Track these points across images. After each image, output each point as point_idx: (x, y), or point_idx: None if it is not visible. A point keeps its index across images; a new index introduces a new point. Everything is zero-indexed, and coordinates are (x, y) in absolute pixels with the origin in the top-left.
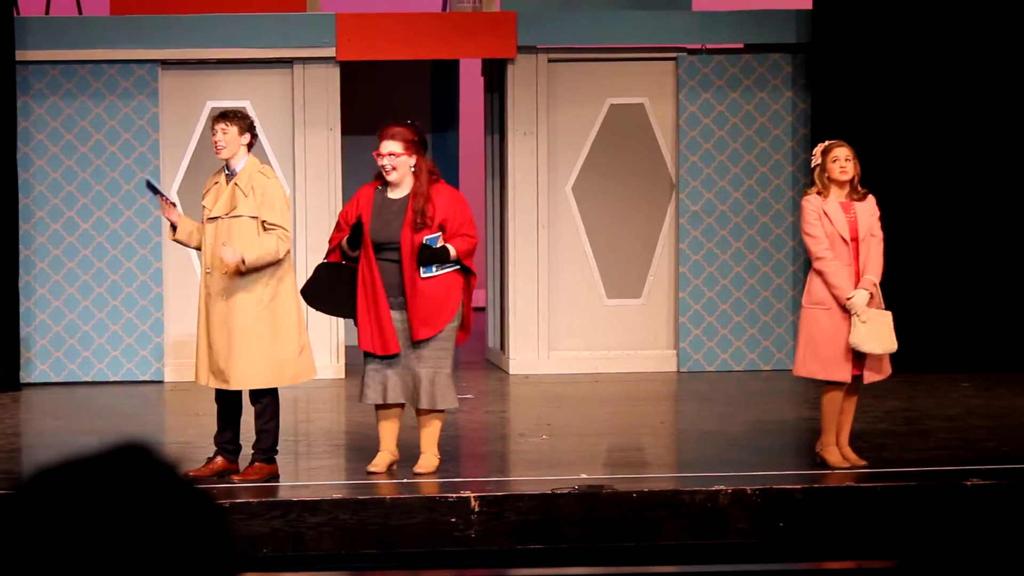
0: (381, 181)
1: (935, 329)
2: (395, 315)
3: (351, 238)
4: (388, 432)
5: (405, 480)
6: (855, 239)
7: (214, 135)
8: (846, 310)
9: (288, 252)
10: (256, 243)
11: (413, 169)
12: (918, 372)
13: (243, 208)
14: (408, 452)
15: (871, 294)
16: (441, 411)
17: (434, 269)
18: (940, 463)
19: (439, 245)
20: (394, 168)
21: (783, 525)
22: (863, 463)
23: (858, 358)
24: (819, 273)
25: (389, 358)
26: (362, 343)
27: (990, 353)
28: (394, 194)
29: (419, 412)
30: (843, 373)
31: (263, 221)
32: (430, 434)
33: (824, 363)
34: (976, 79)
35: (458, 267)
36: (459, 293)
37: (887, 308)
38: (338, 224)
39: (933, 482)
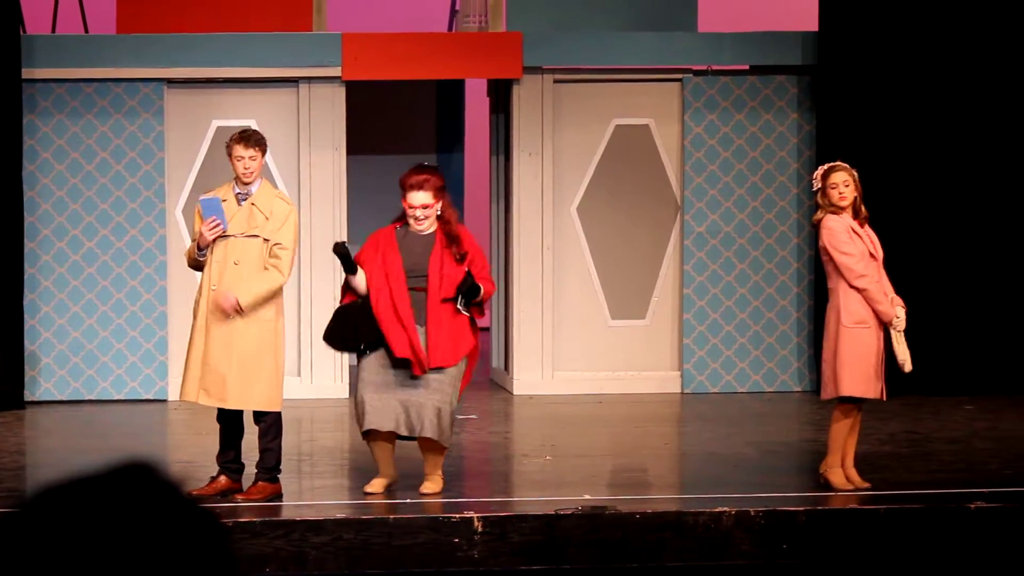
0: (399, 223)
1: (939, 351)
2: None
3: (345, 264)
4: (385, 457)
5: (409, 500)
6: (878, 255)
7: (244, 159)
8: (880, 328)
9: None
10: (258, 279)
11: (439, 213)
12: (922, 394)
13: (261, 230)
14: (408, 471)
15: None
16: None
17: (464, 303)
18: (944, 486)
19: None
20: (426, 218)
21: (786, 547)
22: (867, 485)
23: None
24: (861, 291)
25: (387, 387)
26: (400, 351)
27: (994, 375)
28: (419, 229)
29: (423, 440)
30: (879, 390)
31: (273, 244)
32: (436, 460)
33: (871, 381)
34: (981, 102)
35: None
36: (473, 335)
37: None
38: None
39: (937, 505)
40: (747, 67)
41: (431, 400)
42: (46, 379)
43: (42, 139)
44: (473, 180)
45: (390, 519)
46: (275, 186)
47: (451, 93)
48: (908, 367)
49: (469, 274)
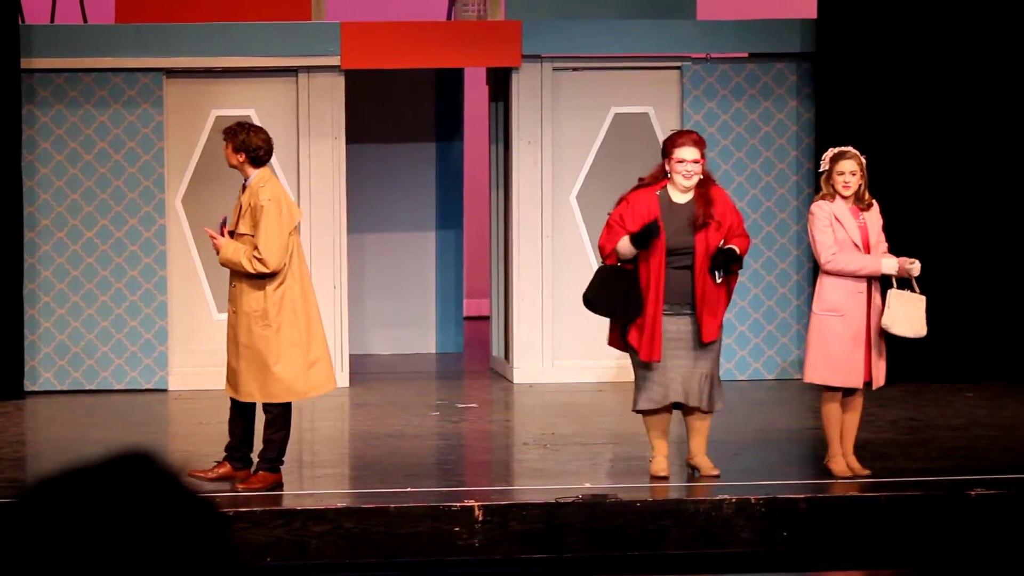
0: (657, 186)
1: (940, 339)
2: (673, 323)
3: (640, 238)
4: (664, 435)
5: (409, 489)
6: (867, 245)
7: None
8: (858, 315)
9: (273, 271)
10: (242, 249)
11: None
12: (922, 381)
13: (241, 226)
14: (404, 463)
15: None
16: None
17: (721, 273)
18: (944, 473)
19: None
20: (696, 174)
21: (787, 534)
22: (866, 472)
23: (880, 351)
24: (835, 272)
25: (669, 362)
26: (633, 342)
27: (995, 363)
28: (679, 199)
29: (690, 413)
30: (855, 379)
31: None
32: (704, 435)
33: (837, 369)
34: (981, 88)
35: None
36: (728, 294)
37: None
38: (610, 227)
39: (937, 492)
40: (746, 54)
41: (705, 371)
42: (46, 369)
43: (41, 129)
44: (472, 168)
45: (390, 508)
46: (271, 177)
47: (450, 82)
48: (893, 330)
49: (720, 248)
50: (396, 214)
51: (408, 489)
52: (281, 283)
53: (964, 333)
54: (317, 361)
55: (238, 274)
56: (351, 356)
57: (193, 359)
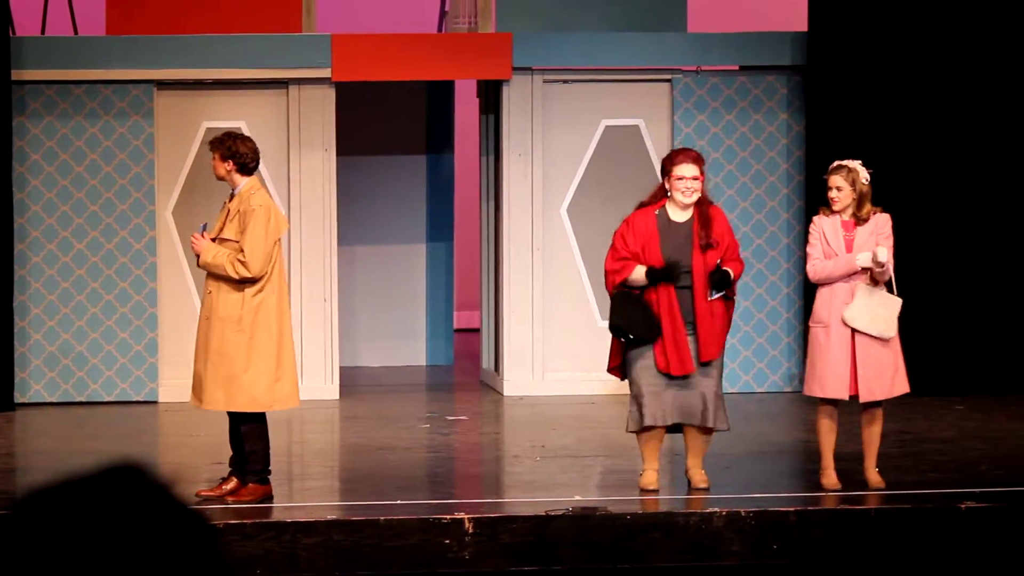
0: (656, 205)
1: (930, 351)
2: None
3: (660, 273)
4: (655, 451)
5: (399, 501)
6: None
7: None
8: (848, 327)
9: (254, 277)
10: (225, 253)
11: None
12: (913, 395)
13: (227, 231)
14: (394, 475)
15: (880, 261)
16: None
17: (714, 292)
18: (934, 486)
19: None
20: (695, 191)
21: (777, 548)
22: (883, 485)
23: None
24: (817, 280)
25: (668, 381)
26: (660, 364)
27: (985, 376)
28: (678, 217)
29: (691, 429)
30: (840, 390)
31: (239, 249)
32: (702, 452)
33: (822, 381)
34: (972, 100)
35: (724, 294)
36: (728, 317)
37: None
38: (615, 250)
39: (927, 505)
40: (737, 67)
41: (708, 391)
42: (36, 381)
43: (32, 141)
44: (463, 181)
45: (380, 520)
46: (261, 186)
47: (441, 94)
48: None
49: (718, 267)
50: (386, 226)
51: (398, 501)
52: (259, 291)
53: (954, 346)
54: (284, 376)
55: (216, 280)
56: (341, 368)
57: (183, 371)
